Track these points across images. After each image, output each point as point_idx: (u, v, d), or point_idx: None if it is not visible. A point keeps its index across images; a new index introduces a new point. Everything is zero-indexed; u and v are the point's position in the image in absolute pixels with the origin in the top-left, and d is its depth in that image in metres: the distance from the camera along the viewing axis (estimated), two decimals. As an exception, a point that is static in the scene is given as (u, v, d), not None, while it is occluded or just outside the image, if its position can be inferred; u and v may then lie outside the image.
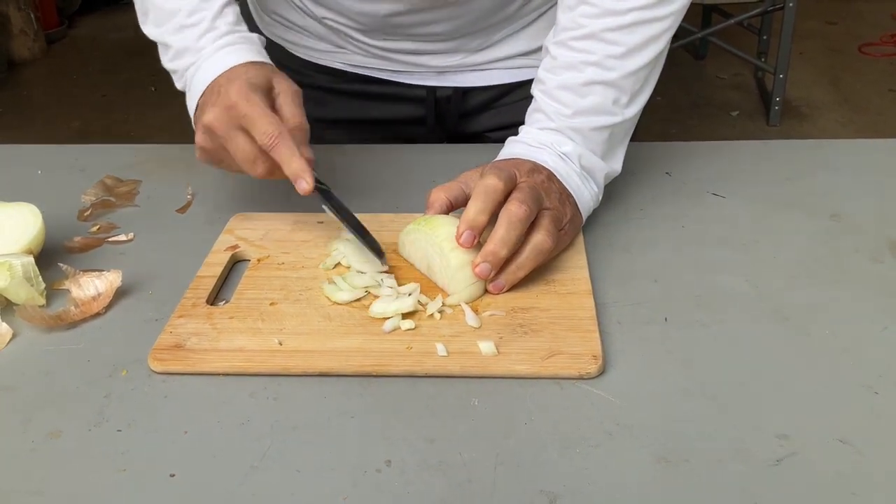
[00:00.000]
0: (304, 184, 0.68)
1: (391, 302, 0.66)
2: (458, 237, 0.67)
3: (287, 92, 0.74)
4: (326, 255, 0.73)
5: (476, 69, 0.97)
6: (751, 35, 3.33)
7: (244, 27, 0.79)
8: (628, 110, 0.77)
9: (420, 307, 0.66)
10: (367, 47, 0.95)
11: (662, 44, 0.76)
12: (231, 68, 0.74)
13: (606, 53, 0.74)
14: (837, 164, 0.89)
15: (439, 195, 0.72)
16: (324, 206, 0.72)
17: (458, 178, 0.73)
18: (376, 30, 0.91)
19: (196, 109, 0.76)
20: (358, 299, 0.67)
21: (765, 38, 3.28)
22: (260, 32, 0.84)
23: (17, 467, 0.54)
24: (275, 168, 0.71)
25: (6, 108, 3.36)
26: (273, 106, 0.72)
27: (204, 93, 0.74)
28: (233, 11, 0.78)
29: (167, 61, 0.80)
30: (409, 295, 0.67)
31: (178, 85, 0.80)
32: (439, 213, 0.71)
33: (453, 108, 1.00)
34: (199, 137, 0.73)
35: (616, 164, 0.79)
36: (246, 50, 0.76)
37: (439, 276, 0.69)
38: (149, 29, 0.81)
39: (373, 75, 0.98)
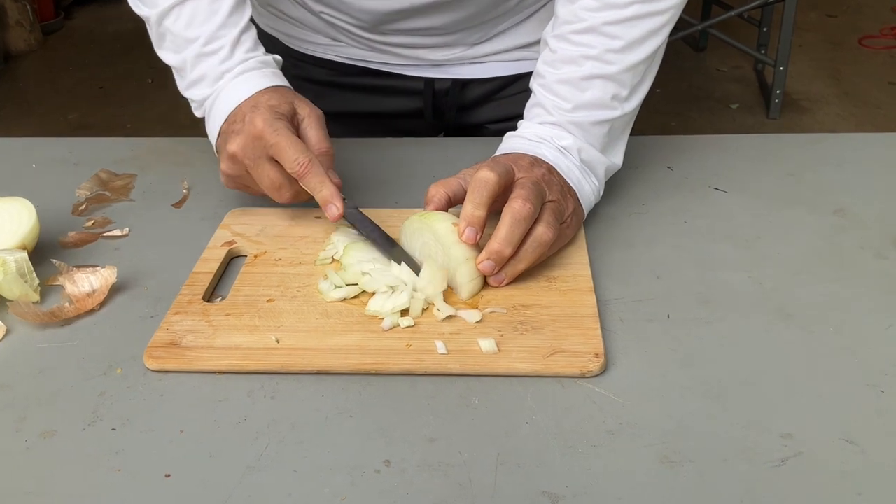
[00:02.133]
0: (335, 209, 0.70)
1: (387, 299, 0.65)
2: (459, 234, 0.66)
3: (311, 116, 0.74)
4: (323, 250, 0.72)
5: (475, 62, 0.96)
6: (751, 27, 3.32)
7: (261, 50, 0.79)
8: (627, 104, 0.76)
9: (427, 304, 0.65)
10: (364, 41, 0.94)
11: (661, 38, 0.75)
12: (252, 95, 0.74)
13: (606, 47, 0.74)
14: (841, 158, 0.89)
15: (438, 190, 0.71)
16: (353, 231, 0.73)
17: (457, 175, 0.72)
18: (374, 25, 0.90)
19: (218, 137, 0.76)
20: (356, 296, 0.66)
21: (765, 30, 3.27)
22: (255, 24, 0.82)
23: (11, 467, 0.53)
24: (300, 193, 0.72)
25: (2, 101, 3.34)
26: (297, 131, 0.73)
27: (227, 120, 0.74)
28: (250, 37, 0.78)
29: (184, 89, 0.79)
30: (402, 292, 0.65)
31: (197, 113, 0.80)
32: (438, 209, 0.70)
33: (451, 100, 0.99)
34: (225, 165, 0.73)
35: (616, 159, 0.79)
36: (265, 75, 0.76)
37: (440, 272, 0.68)
38: (165, 55, 0.80)
39: (370, 68, 0.97)
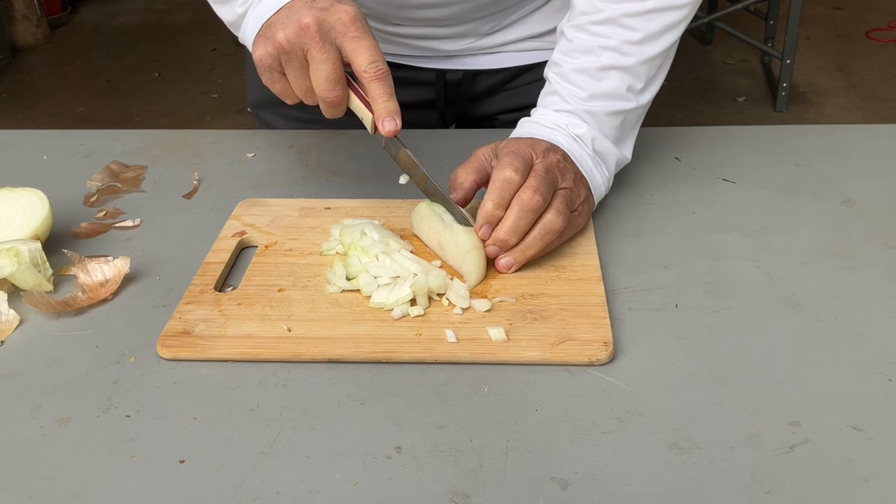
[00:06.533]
0: (394, 123, 0.67)
1: (390, 292, 0.65)
2: (476, 230, 0.67)
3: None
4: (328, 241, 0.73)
5: (486, 52, 0.96)
6: (758, 20, 3.31)
7: None
8: (642, 97, 0.77)
9: (437, 298, 0.66)
10: (376, 32, 0.94)
11: (678, 33, 0.76)
12: None
13: (624, 39, 0.74)
14: (848, 149, 0.89)
15: (468, 177, 0.71)
16: (408, 152, 0.70)
17: (474, 156, 0.73)
18: (385, 16, 0.90)
19: (276, 13, 0.68)
20: (356, 290, 0.67)
21: (772, 23, 3.26)
22: None
23: (27, 454, 0.54)
24: (343, 101, 0.69)
25: (9, 95, 3.35)
26: None
27: (290, 4, 0.68)
28: None
29: None
30: (405, 283, 0.66)
31: (239, 9, 0.73)
32: (467, 195, 0.71)
33: (463, 91, 0.99)
34: (285, 36, 0.66)
35: (627, 152, 0.79)
36: None
37: (450, 255, 0.69)
38: None
39: None
